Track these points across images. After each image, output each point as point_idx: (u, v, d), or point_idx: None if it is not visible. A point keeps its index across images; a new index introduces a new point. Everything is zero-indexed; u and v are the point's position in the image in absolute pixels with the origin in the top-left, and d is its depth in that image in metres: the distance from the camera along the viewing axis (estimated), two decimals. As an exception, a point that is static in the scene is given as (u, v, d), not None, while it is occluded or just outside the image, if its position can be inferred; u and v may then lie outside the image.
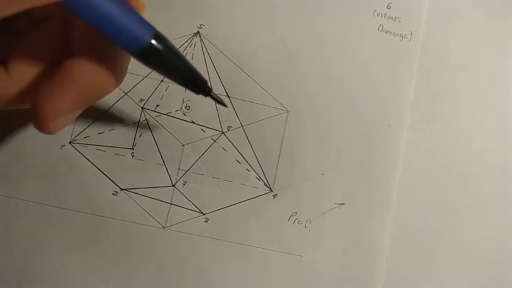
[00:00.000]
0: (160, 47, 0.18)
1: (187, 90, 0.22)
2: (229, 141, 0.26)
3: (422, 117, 0.27)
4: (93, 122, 0.25)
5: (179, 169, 0.25)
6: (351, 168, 0.26)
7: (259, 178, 0.26)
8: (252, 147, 0.26)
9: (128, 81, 0.25)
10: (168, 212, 0.25)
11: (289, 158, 0.26)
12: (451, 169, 0.27)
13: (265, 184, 0.26)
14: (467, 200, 0.27)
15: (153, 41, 0.18)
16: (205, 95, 0.21)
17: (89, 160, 0.25)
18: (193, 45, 0.26)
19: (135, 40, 0.17)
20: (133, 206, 0.25)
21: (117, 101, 0.25)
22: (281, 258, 0.25)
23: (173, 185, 0.25)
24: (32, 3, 0.15)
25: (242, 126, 0.26)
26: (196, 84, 0.21)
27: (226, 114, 0.26)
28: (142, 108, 0.26)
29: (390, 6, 0.28)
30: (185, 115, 0.26)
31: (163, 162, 0.25)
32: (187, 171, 0.25)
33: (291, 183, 0.26)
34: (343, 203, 0.26)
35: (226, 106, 0.25)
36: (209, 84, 0.21)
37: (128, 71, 0.19)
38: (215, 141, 0.26)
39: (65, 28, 0.18)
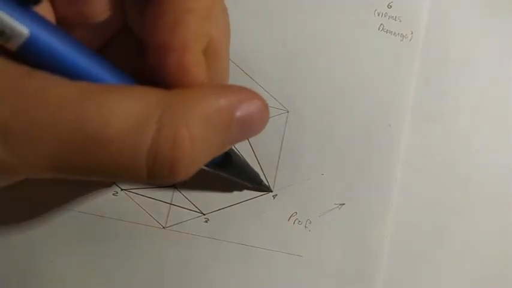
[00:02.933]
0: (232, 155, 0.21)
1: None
2: (229, 141, 0.26)
3: (422, 117, 0.27)
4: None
5: (179, 169, 0.25)
6: (351, 168, 0.26)
7: (259, 178, 0.26)
8: (252, 147, 0.26)
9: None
10: (168, 212, 0.25)
11: (289, 158, 0.26)
12: (451, 169, 0.27)
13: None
14: (468, 200, 0.27)
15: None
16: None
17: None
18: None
19: None
20: (134, 206, 0.25)
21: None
22: (281, 258, 0.25)
23: (173, 185, 0.25)
24: None
25: (242, 126, 0.26)
26: (253, 182, 0.25)
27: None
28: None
29: (391, 6, 0.28)
30: (185, 115, 0.26)
31: (163, 162, 0.25)
32: (187, 171, 0.25)
33: (291, 183, 0.26)
34: (343, 203, 0.26)
35: (272, 191, 0.26)
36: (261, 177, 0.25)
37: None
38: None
39: None
